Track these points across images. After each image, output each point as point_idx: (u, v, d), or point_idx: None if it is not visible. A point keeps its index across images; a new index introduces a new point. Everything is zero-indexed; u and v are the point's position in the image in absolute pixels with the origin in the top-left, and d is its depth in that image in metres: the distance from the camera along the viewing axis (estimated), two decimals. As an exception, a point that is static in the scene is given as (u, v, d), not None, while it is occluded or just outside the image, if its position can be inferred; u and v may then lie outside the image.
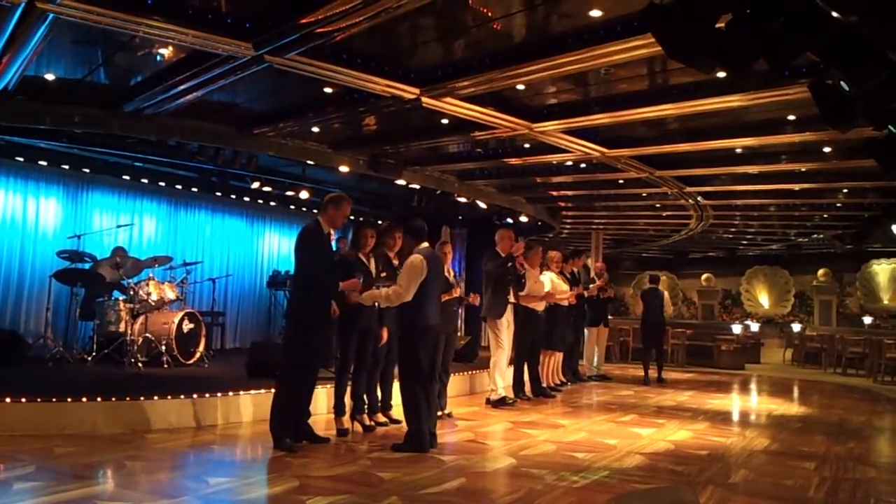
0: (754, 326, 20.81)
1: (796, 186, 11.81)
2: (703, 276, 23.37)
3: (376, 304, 6.39)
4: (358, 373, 6.72)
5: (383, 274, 6.76)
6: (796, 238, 18.78)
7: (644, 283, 24.94)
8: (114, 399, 6.37)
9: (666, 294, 13.36)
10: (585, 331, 12.20)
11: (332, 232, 6.28)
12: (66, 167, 10.77)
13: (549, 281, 9.85)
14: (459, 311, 10.41)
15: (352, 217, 13.87)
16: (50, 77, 7.66)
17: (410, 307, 6.01)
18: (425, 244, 6.29)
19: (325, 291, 5.99)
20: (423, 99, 7.61)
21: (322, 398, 7.44)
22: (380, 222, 7.50)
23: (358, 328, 6.58)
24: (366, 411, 6.89)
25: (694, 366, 16.06)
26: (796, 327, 20.16)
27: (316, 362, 6.16)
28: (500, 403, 8.61)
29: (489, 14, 6.06)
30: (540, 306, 9.45)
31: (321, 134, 9.83)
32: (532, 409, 8.64)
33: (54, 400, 6.15)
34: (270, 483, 4.99)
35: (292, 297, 6.22)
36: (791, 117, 8.12)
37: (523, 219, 14.74)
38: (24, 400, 6.04)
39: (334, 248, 6.77)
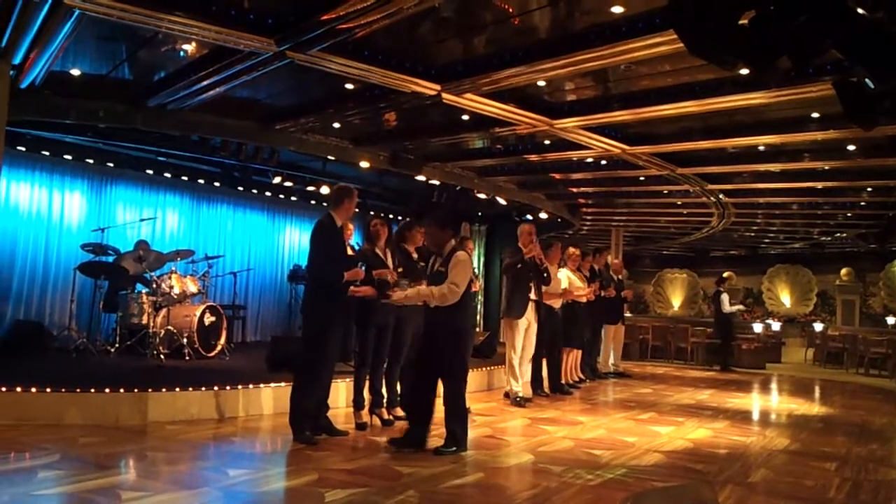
0: (776, 325, 20.63)
1: (819, 184, 11.70)
2: (725, 275, 23.20)
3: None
4: (376, 367, 6.76)
5: (400, 269, 6.77)
6: (819, 237, 18.59)
7: (663, 280, 25.08)
8: (136, 390, 6.45)
9: (724, 295, 14.94)
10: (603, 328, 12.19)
11: (349, 225, 6.28)
12: (91, 161, 10.90)
13: (566, 278, 9.83)
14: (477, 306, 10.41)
15: (372, 212, 14.09)
16: (75, 72, 7.75)
17: (457, 306, 5.82)
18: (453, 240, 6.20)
19: (339, 285, 5.97)
20: (444, 95, 7.61)
21: (342, 392, 7.50)
22: (399, 217, 7.52)
23: (375, 323, 6.61)
24: (384, 405, 6.93)
25: (715, 364, 15.94)
26: (818, 327, 19.96)
27: (333, 356, 6.16)
28: (516, 401, 8.55)
29: (510, 10, 6.06)
30: (557, 303, 9.42)
31: (342, 129, 9.87)
32: (550, 406, 8.63)
33: (78, 390, 6.24)
34: (290, 475, 5.03)
35: (307, 292, 6.24)
36: (815, 115, 8.05)
37: (543, 215, 14.72)
38: (48, 390, 6.13)
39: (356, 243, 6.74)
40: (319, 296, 6.01)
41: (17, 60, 6.86)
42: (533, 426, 7.34)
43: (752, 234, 18.98)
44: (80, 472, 4.70)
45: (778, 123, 8.49)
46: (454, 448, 5.74)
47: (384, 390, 6.94)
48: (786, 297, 22.61)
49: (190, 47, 7.00)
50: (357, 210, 6.67)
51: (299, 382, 6.07)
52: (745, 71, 6.24)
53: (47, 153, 10.38)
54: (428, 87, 7.46)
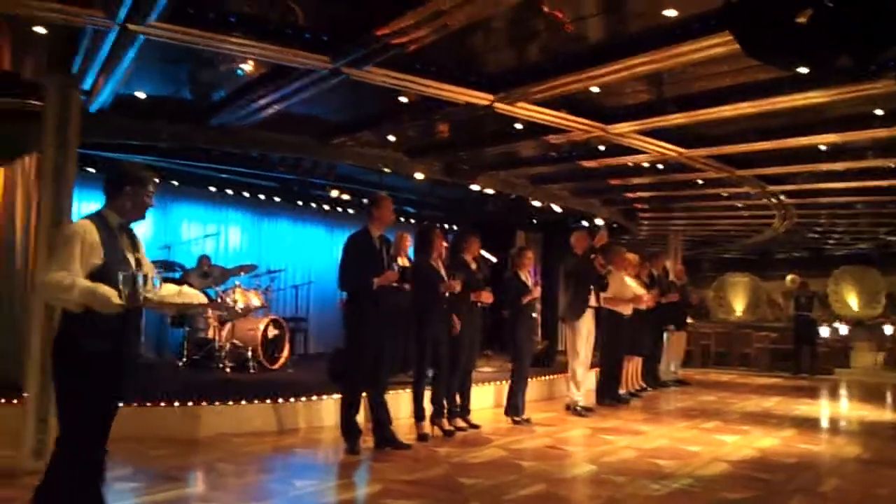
0: (843, 329, 20.01)
1: (885, 183, 11.33)
2: (789, 278, 22.58)
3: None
4: (436, 378, 6.81)
5: (461, 279, 6.82)
6: (886, 236, 18.00)
7: (724, 285, 24.56)
8: (204, 403, 6.61)
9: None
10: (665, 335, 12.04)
11: (405, 236, 6.31)
12: (157, 180, 11.18)
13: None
14: (537, 316, 10.35)
15: (426, 222, 14.17)
16: (141, 95, 8.02)
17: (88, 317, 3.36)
18: None
19: (369, 295, 6.01)
20: (496, 105, 7.64)
21: (404, 403, 7.56)
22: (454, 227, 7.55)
23: (426, 334, 6.64)
24: (446, 415, 6.96)
25: (779, 371, 15.55)
26: (888, 330, 19.28)
27: (366, 365, 6.08)
28: (577, 411, 8.47)
29: (561, 17, 6.05)
30: (627, 310, 9.29)
31: (397, 142, 9.97)
32: (612, 415, 8.54)
33: (148, 404, 6.44)
34: (354, 487, 5.11)
35: (345, 305, 6.34)
36: (878, 112, 7.81)
37: (598, 221, 14.59)
38: (120, 404, 6.32)
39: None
40: (350, 306, 6.15)
41: (86, 86, 7.13)
42: (594, 436, 7.28)
43: (816, 236, 18.47)
44: (153, 484, 4.85)
45: (839, 121, 8.26)
46: None
47: (444, 401, 6.98)
48: (853, 300, 21.88)
49: (248, 67, 7.17)
50: (400, 219, 6.78)
51: (343, 394, 6.22)
52: (804, 70, 6.10)
53: (115, 174, 10.70)
54: (480, 98, 7.49)
